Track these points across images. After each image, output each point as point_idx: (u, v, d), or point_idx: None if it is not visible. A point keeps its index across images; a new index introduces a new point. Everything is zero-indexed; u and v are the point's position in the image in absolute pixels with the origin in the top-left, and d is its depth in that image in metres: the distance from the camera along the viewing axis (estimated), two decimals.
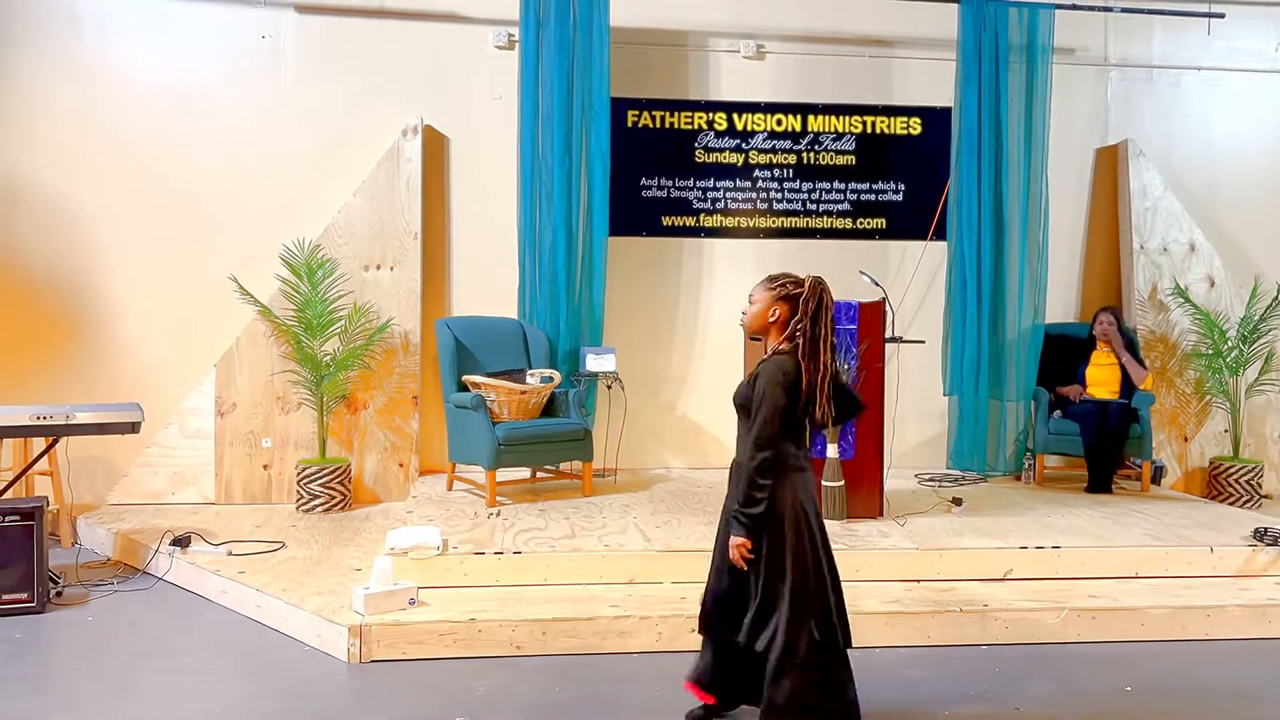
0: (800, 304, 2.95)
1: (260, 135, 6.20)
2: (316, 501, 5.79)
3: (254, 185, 6.18)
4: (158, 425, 5.91)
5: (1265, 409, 6.75)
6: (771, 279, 3.05)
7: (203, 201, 6.14)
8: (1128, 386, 6.18)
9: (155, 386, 6.01)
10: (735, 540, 2.91)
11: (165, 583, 4.77)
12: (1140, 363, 6.22)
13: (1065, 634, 4.08)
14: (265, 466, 6.06)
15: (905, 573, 4.46)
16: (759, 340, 3.15)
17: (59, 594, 4.47)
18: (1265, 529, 4.73)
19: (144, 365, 6.09)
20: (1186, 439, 6.73)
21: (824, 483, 5.00)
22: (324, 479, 5.78)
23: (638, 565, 4.38)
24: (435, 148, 6.39)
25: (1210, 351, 6.49)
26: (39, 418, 4.64)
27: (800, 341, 2.93)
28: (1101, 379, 6.25)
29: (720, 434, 6.62)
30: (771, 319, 3.00)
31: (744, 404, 2.98)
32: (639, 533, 4.75)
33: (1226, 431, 6.64)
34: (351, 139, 6.22)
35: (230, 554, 4.84)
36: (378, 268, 6.17)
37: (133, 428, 4.79)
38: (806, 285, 2.97)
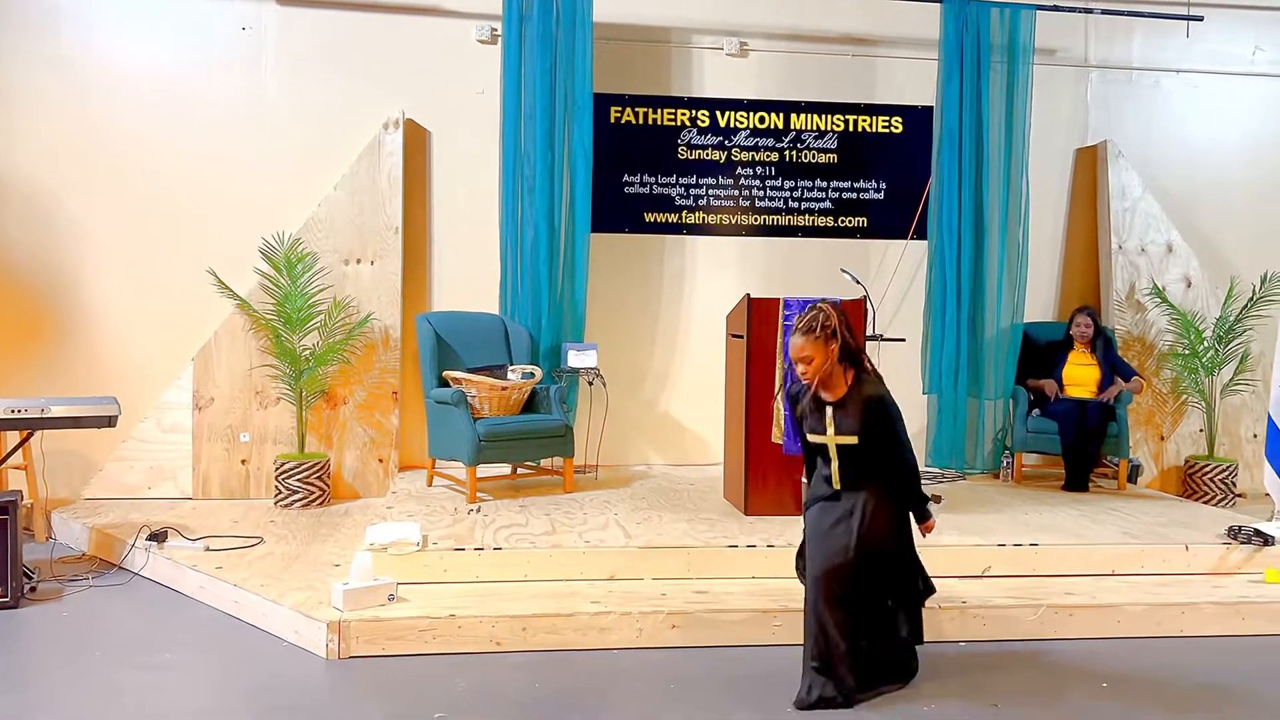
0: (841, 331, 3.31)
1: (241, 127, 6.15)
2: (295, 497, 5.75)
3: (234, 178, 6.12)
4: (134, 419, 5.85)
5: (1240, 409, 6.82)
6: (808, 329, 3.30)
7: (182, 194, 6.09)
8: (1105, 385, 6.23)
9: (132, 380, 5.94)
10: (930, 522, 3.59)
11: (141, 578, 4.73)
12: (1128, 374, 6.26)
13: (1042, 631, 4.11)
14: (243, 461, 6.02)
15: None
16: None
17: (33, 589, 4.43)
18: (1239, 527, 4.79)
19: (122, 359, 6.03)
20: (1163, 438, 6.80)
21: (803, 480, 4.99)
22: (303, 474, 5.75)
23: (618, 562, 4.38)
24: (417, 142, 6.35)
25: (1186, 351, 6.55)
26: (13, 411, 4.59)
27: (857, 355, 3.35)
28: (1080, 379, 6.29)
29: (701, 430, 6.62)
30: (838, 359, 3.32)
31: (874, 433, 3.44)
32: (620, 529, 4.75)
33: (1202, 431, 6.71)
34: (332, 132, 6.17)
35: (208, 549, 4.80)
36: (358, 262, 6.13)
37: (108, 421, 4.76)
38: (834, 315, 3.30)
